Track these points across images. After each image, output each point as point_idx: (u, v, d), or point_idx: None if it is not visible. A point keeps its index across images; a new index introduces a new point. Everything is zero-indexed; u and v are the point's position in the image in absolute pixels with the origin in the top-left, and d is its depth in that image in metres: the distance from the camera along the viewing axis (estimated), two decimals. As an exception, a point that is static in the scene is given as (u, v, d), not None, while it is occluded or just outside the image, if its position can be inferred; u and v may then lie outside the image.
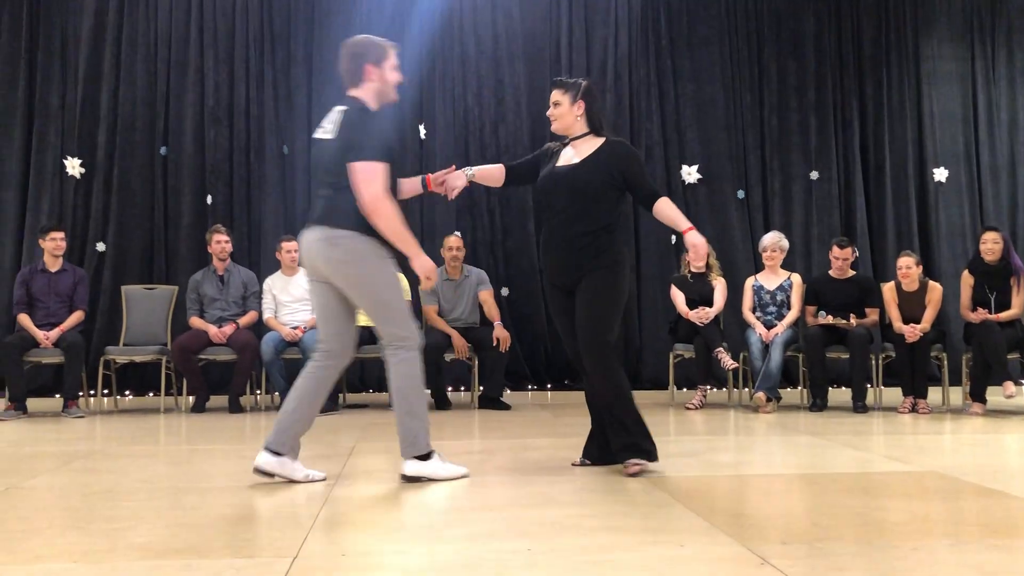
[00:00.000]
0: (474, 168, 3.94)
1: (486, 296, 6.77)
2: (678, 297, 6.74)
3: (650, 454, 3.61)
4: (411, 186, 3.81)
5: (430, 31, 8.19)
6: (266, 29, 8.06)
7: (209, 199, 7.85)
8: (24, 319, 6.43)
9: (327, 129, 3.50)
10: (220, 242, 6.79)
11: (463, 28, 8.25)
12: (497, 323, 6.60)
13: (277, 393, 6.73)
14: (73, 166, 7.76)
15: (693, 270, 6.71)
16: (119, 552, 2.47)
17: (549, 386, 8.06)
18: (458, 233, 7.42)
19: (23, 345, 6.34)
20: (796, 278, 6.69)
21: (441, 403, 6.60)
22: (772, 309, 6.62)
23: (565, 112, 3.73)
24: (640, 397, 7.51)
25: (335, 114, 3.51)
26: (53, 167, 7.79)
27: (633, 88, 8.34)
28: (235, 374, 6.57)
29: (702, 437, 5.05)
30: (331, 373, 3.54)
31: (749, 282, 6.82)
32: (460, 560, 2.38)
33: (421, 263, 3.51)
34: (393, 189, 3.42)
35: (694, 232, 3.63)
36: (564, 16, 8.34)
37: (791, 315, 6.51)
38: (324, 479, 3.53)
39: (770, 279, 6.72)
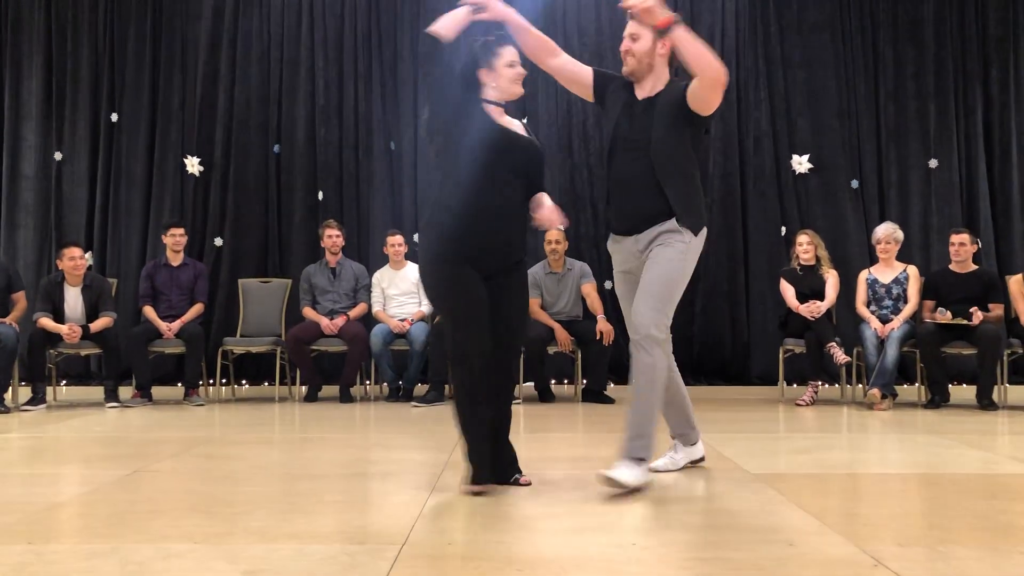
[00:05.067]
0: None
1: (589, 289, 6.75)
2: (788, 291, 6.58)
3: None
4: None
5: (534, 25, 8.18)
6: (373, 27, 8.21)
7: (320, 195, 8.06)
8: (149, 311, 6.74)
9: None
10: (332, 236, 6.98)
11: (566, 21, 8.20)
12: (600, 316, 6.57)
13: (386, 383, 6.89)
14: (192, 164, 8.10)
15: (803, 263, 6.55)
16: (237, 535, 2.57)
17: (654, 380, 7.97)
18: (560, 227, 7.40)
19: (148, 336, 6.65)
20: (912, 270, 6.43)
21: (544, 396, 6.62)
22: (888, 303, 6.38)
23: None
24: (748, 393, 7.39)
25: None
26: (174, 166, 8.16)
27: (740, 77, 8.15)
28: (346, 365, 6.74)
29: (813, 434, 4.91)
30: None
31: (863, 275, 6.58)
32: (566, 553, 2.38)
33: None
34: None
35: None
36: (669, 4, 8.16)
37: (908, 309, 6.27)
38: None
39: (885, 272, 6.48)
